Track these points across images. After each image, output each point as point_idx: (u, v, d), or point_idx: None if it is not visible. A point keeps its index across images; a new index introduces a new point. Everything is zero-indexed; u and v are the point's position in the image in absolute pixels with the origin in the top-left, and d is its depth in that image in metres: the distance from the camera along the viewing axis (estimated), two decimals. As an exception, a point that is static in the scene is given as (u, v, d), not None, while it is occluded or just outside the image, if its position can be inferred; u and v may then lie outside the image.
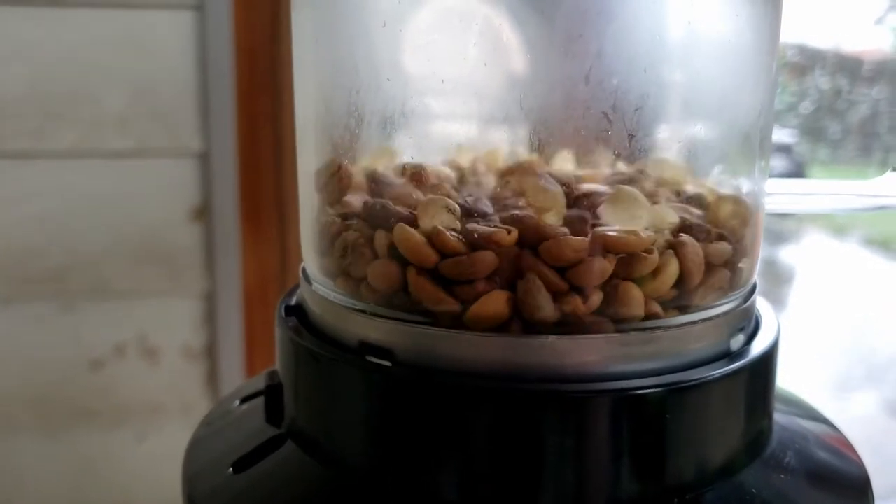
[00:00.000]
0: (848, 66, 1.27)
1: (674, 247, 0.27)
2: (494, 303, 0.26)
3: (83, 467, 0.82)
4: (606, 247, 0.26)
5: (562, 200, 0.27)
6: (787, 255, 1.82)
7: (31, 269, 0.78)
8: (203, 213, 0.80)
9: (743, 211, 0.29)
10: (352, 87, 0.29)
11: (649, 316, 0.27)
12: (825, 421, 0.34)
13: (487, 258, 0.26)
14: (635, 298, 0.26)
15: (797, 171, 1.43)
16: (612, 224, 0.26)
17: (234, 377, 0.82)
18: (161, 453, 0.82)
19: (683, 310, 0.27)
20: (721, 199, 0.29)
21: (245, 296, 0.83)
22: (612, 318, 0.26)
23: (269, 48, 0.80)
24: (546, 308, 0.25)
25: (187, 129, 0.78)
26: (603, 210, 0.27)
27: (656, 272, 0.26)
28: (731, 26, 0.29)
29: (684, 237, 0.27)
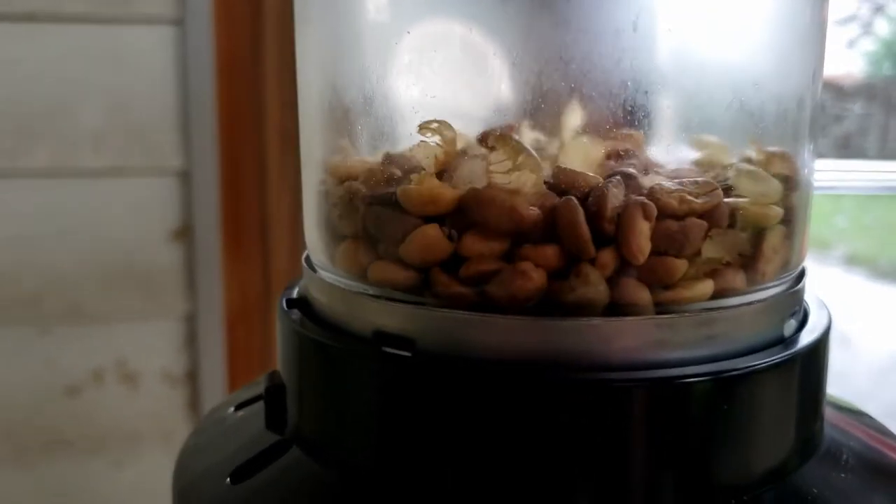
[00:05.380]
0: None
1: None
2: (532, 279, 0.23)
3: (59, 498, 0.80)
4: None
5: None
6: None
7: (3, 293, 0.76)
8: (184, 233, 0.79)
9: (793, 172, 0.27)
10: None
11: (698, 298, 0.24)
12: (869, 417, 0.31)
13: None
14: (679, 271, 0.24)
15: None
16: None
17: (217, 403, 0.79)
18: (140, 483, 0.81)
19: (737, 292, 0.25)
20: (771, 156, 0.26)
21: (227, 318, 0.82)
22: (660, 301, 0.24)
23: (250, 63, 0.80)
24: (600, 288, 0.23)
25: (167, 147, 0.77)
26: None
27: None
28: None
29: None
